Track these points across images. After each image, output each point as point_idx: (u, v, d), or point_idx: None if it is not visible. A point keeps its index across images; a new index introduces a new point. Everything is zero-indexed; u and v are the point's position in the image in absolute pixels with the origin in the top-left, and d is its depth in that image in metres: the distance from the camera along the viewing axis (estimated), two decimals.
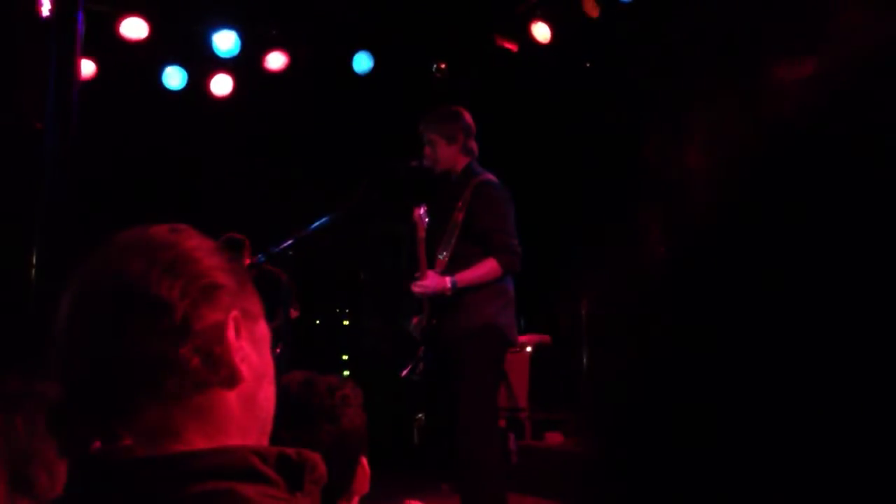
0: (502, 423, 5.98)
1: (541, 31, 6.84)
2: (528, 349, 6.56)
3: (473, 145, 4.14)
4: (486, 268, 3.91)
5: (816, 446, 0.35)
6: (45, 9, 4.30)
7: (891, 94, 0.36)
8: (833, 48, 0.39)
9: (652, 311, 0.42)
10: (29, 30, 4.32)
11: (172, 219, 1.00)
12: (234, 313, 0.95)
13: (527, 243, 4.05)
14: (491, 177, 4.10)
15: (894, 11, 0.37)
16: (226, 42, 7.05)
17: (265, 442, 1.00)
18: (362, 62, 7.36)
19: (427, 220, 4.10)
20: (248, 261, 5.00)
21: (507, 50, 7.16)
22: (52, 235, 4.28)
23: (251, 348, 0.97)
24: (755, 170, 0.39)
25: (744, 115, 0.41)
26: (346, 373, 8.07)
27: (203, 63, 7.25)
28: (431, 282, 3.94)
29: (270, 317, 1.43)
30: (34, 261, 4.21)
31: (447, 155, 4.09)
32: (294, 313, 6.12)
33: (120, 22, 6.71)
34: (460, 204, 4.01)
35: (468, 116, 4.16)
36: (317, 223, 4.01)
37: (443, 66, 7.41)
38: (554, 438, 6.24)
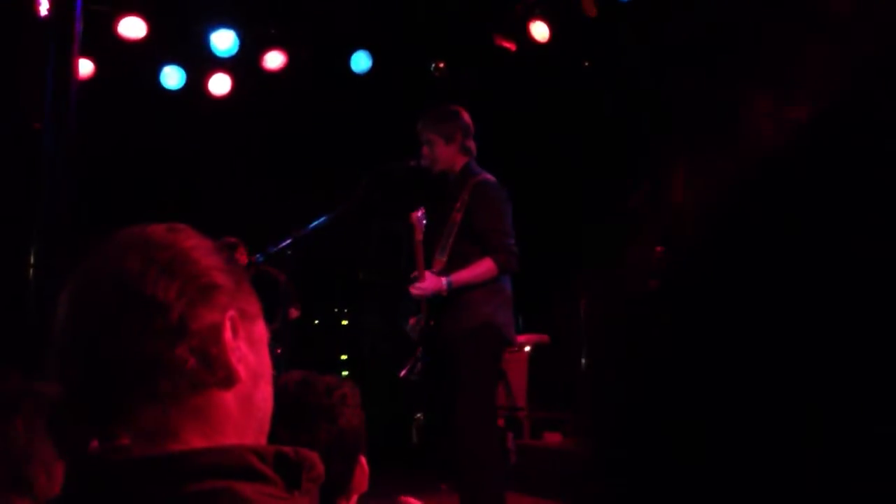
0: (501, 422, 5.99)
1: (539, 31, 6.85)
2: (527, 349, 6.56)
3: (472, 145, 4.14)
4: (483, 267, 3.91)
5: (813, 446, 0.35)
6: (44, 8, 4.29)
7: (863, 131, 0.37)
8: (808, 88, 0.39)
9: (650, 312, 0.42)
10: (27, 29, 4.32)
11: (171, 218, 1.00)
12: (232, 313, 0.95)
13: (525, 243, 4.05)
14: (489, 176, 4.09)
15: (861, 50, 0.38)
16: (224, 41, 7.05)
17: (263, 442, 1.00)
18: (361, 61, 7.36)
19: (425, 222, 4.10)
20: (244, 261, 5.00)
21: (506, 49, 7.16)
22: (50, 235, 4.28)
23: (248, 349, 0.97)
24: (746, 171, 0.39)
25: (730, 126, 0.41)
26: (345, 372, 8.08)
27: (201, 62, 7.25)
28: (429, 283, 3.94)
29: (269, 318, 1.43)
30: (32, 261, 4.21)
31: (445, 154, 4.09)
32: (295, 313, 6.11)
33: (118, 21, 6.72)
34: (458, 204, 4.01)
35: (466, 116, 4.16)
36: (315, 223, 4.01)
37: (441, 65, 7.41)
38: (552, 438, 6.25)
